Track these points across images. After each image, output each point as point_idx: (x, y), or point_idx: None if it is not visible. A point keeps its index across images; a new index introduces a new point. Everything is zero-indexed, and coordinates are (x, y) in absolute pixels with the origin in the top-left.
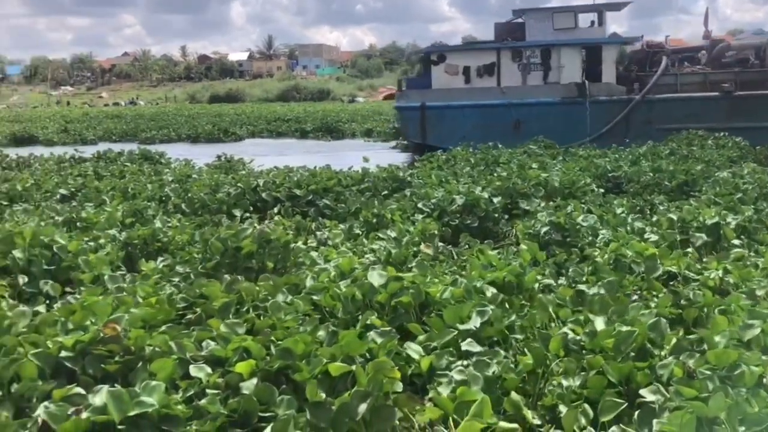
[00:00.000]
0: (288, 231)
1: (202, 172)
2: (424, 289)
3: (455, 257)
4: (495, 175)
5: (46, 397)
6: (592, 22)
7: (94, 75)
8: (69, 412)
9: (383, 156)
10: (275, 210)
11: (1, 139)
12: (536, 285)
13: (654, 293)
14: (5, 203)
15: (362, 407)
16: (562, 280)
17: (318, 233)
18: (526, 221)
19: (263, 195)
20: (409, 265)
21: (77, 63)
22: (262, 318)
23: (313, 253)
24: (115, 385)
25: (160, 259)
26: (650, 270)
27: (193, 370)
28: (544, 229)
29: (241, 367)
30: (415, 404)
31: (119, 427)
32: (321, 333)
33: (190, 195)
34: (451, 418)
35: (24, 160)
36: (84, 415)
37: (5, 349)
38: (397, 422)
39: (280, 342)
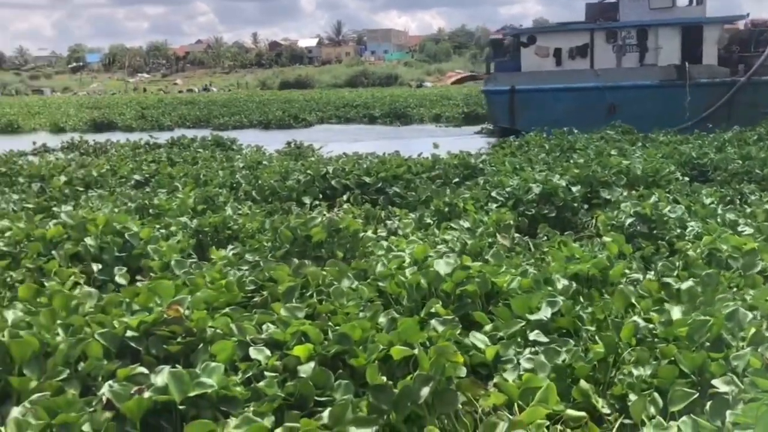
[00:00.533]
0: (357, 219)
1: (273, 158)
2: (490, 279)
3: (532, 249)
4: (571, 162)
5: (111, 376)
6: (691, 1)
7: (168, 62)
8: (132, 392)
9: (454, 142)
10: (344, 198)
11: (83, 125)
12: (623, 279)
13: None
14: (81, 189)
15: (424, 391)
16: (650, 275)
17: (388, 222)
18: (607, 211)
19: (332, 182)
20: (486, 257)
21: (153, 51)
22: (324, 303)
23: (383, 243)
24: (176, 365)
25: (230, 247)
26: (749, 266)
27: (252, 353)
28: (629, 221)
29: (299, 351)
30: (479, 389)
31: (180, 407)
32: (382, 320)
33: (260, 182)
34: (516, 404)
35: (101, 146)
36: (146, 394)
37: (73, 328)
38: (460, 407)
39: (337, 327)
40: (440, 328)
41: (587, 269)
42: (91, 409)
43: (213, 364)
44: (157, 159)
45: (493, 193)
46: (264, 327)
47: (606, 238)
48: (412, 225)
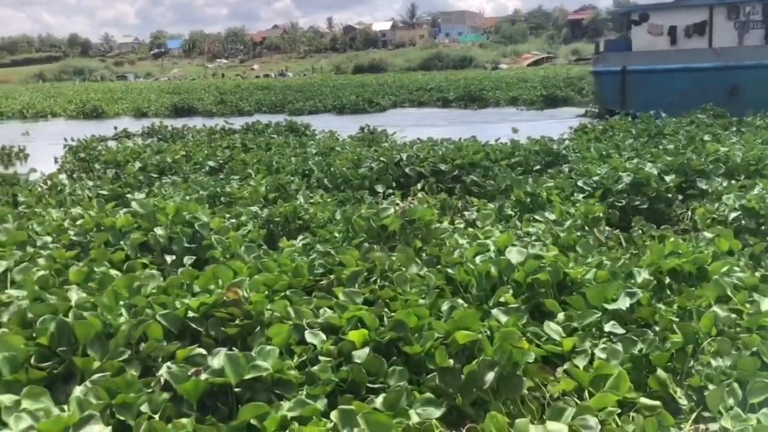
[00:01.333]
0: (433, 209)
1: (346, 144)
2: (562, 269)
3: (623, 243)
4: (661, 148)
5: (171, 357)
6: None
7: (246, 48)
8: (189, 373)
9: (534, 127)
10: (419, 186)
11: (164, 111)
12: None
13: None
14: (155, 176)
15: (489, 376)
16: (757, 275)
17: (465, 213)
18: (705, 203)
19: (406, 170)
20: (578, 251)
21: (231, 36)
22: (385, 289)
23: (456, 234)
24: (233, 348)
25: (300, 237)
26: None
27: (308, 337)
28: (733, 215)
29: (354, 336)
30: (548, 375)
31: (235, 389)
32: (444, 308)
33: (332, 169)
34: (587, 391)
35: (178, 132)
36: (203, 376)
37: (135, 309)
38: (527, 391)
39: (393, 314)
40: (503, 318)
41: (683, 264)
42: (150, 390)
43: (268, 347)
44: (231, 145)
45: (579, 183)
46: (321, 311)
47: (707, 234)
48: (493, 217)
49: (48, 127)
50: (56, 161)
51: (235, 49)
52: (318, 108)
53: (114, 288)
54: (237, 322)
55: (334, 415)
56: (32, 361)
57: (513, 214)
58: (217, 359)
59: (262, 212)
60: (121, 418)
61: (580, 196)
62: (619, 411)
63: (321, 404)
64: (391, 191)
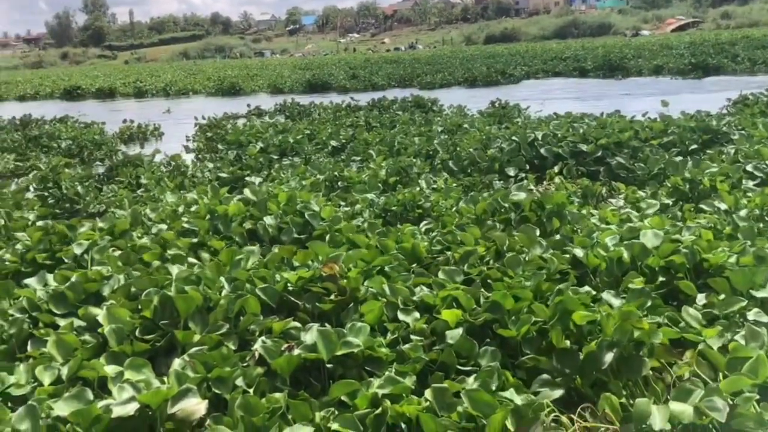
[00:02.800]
0: (572, 197)
1: (474, 121)
2: (700, 253)
3: None
4: None
5: (268, 332)
6: None
7: (377, 22)
8: (282, 349)
9: (682, 99)
10: (556, 169)
11: (299, 87)
12: None
13: None
14: (276, 157)
15: (608, 356)
16: None
17: (612, 201)
18: None
19: (542, 151)
20: None
21: (363, 11)
22: (492, 269)
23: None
24: (326, 324)
25: (423, 222)
26: None
27: (400, 315)
28: None
29: (447, 315)
30: (675, 358)
31: (327, 365)
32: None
33: (458, 150)
34: (721, 375)
35: (305, 109)
36: (295, 351)
37: (234, 284)
38: (652, 372)
39: (489, 295)
40: (614, 302)
41: None
42: (245, 364)
43: (359, 324)
44: (354, 123)
45: (749, 167)
46: (417, 289)
47: None
48: (657, 206)
49: (188, 104)
50: (187, 140)
51: (366, 23)
52: (448, 81)
53: (217, 262)
54: (332, 297)
55: (428, 393)
56: (137, 333)
57: (670, 203)
58: (310, 335)
59: (379, 200)
60: (217, 391)
61: (751, 183)
62: (758, 397)
63: (410, 381)
64: (523, 175)
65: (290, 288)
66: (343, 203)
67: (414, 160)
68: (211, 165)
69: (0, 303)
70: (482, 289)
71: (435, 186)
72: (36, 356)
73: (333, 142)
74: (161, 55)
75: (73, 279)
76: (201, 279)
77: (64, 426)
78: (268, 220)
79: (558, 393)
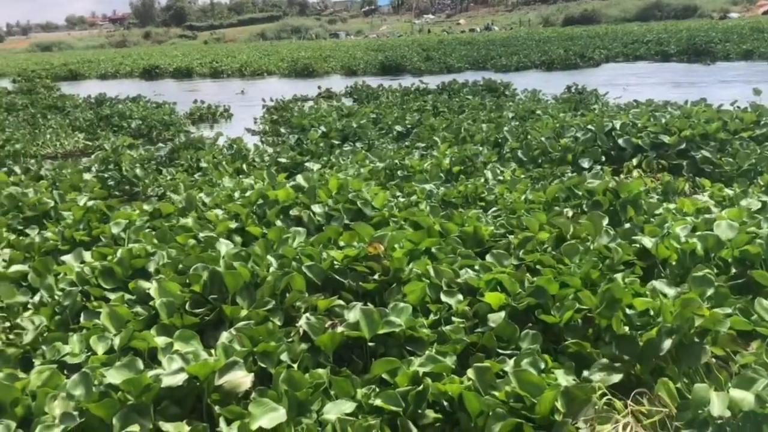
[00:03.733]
0: (651, 193)
1: (548, 107)
2: None
3: None
4: None
5: (314, 309)
6: None
7: (453, 2)
8: (326, 326)
9: None
10: (634, 162)
11: (372, 68)
12: None
13: None
14: (337, 142)
15: (667, 343)
16: None
17: (699, 198)
18: None
19: (620, 141)
20: None
21: None
22: (545, 256)
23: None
24: (368, 303)
25: (492, 209)
26: None
27: (443, 296)
28: None
29: (490, 298)
30: (741, 348)
31: (369, 343)
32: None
33: (529, 138)
34: None
35: (372, 92)
36: (339, 329)
37: (281, 261)
38: (714, 361)
39: (533, 280)
40: (668, 291)
41: None
42: (290, 340)
43: (401, 304)
44: (422, 108)
45: None
46: (462, 272)
47: None
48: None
49: (262, 85)
50: (255, 122)
51: (442, 3)
52: (524, 64)
53: (264, 240)
54: (376, 277)
55: (471, 372)
56: (187, 307)
57: (762, 204)
58: (353, 313)
59: (438, 190)
60: (263, 365)
61: None
62: None
63: (451, 362)
64: (599, 167)
65: (336, 266)
66: (400, 193)
67: (480, 148)
68: (270, 150)
69: (45, 278)
70: (527, 274)
71: (501, 177)
72: (90, 327)
73: (398, 127)
74: (239, 36)
75: (120, 255)
76: (249, 255)
77: (115, 393)
78: (316, 208)
79: (616, 378)
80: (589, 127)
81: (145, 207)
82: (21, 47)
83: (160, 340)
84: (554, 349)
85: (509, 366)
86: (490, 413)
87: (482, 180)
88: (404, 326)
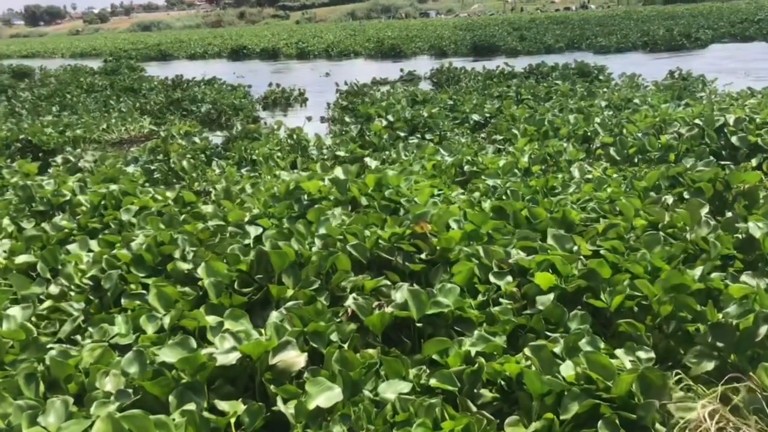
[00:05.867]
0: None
1: (647, 95)
2: None
3: None
4: None
5: (359, 289)
6: None
7: None
8: (374, 306)
9: None
10: (753, 163)
11: (463, 49)
12: None
13: None
14: (403, 134)
15: (763, 329)
16: None
17: None
18: None
19: (733, 139)
20: None
21: None
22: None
23: None
24: (414, 284)
25: None
26: None
27: (492, 277)
28: None
29: (540, 279)
30: None
31: (417, 323)
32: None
33: (624, 134)
34: None
35: (453, 76)
36: (387, 309)
37: (326, 241)
38: None
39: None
40: (760, 283)
41: None
42: (338, 320)
43: (449, 285)
44: (504, 94)
45: None
46: (513, 252)
47: None
48: None
49: (348, 66)
50: (328, 107)
51: None
52: (623, 44)
53: (305, 221)
54: (422, 256)
55: (527, 350)
56: (235, 286)
57: None
58: (400, 293)
59: (505, 185)
60: (314, 345)
61: None
62: None
63: (500, 341)
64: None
65: (381, 245)
66: (462, 190)
67: (565, 144)
68: (329, 141)
69: (65, 267)
70: (582, 257)
71: (590, 176)
72: (135, 308)
73: (475, 116)
74: (330, 15)
75: (148, 242)
76: (292, 234)
77: (169, 372)
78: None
79: (710, 365)
80: (696, 121)
81: (168, 194)
82: (123, 27)
83: (211, 319)
84: (603, 333)
85: (560, 346)
86: (565, 393)
87: (561, 176)
88: (452, 307)
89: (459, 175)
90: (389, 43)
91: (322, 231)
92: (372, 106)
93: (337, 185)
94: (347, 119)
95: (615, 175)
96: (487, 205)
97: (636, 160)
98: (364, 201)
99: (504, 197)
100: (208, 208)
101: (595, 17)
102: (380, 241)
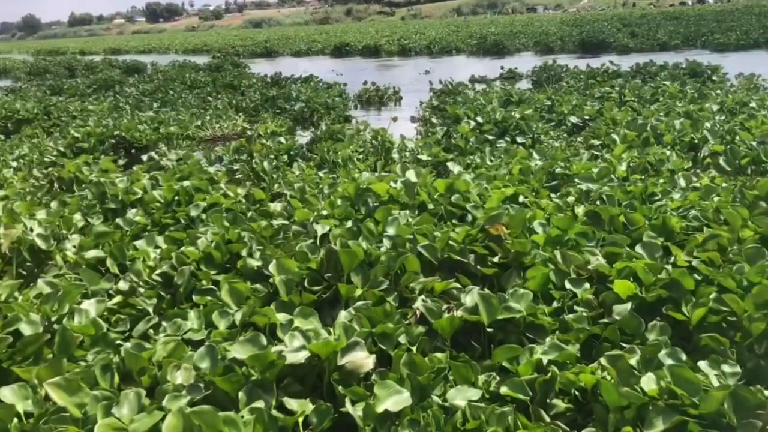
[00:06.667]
0: None
1: (766, 100)
2: None
3: None
4: None
5: (429, 291)
6: None
7: None
8: (443, 309)
9: None
10: None
11: (570, 46)
12: None
13: None
14: (491, 137)
15: None
16: None
17: None
18: None
19: None
20: None
21: None
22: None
23: None
24: (485, 288)
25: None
26: None
27: (568, 283)
28: None
29: (619, 287)
30: None
31: (488, 329)
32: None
33: (735, 141)
34: None
35: (555, 74)
36: (457, 313)
37: (395, 241)
38: None
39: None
40: None
41: None
42: (406, 322)
43: (522, 290)
44: (606, 95)
45: None
46: (593, 259)
47: None
48: None
49: (449, 63)
50: (419, 107)
51: None
52: (744, 42)
53: (372, 219)
54: (495, 260)
55: (603, 360)
56: (305, 284)
57: None
58: (470, 297)
59: (600, 190)
60: (382, 347)
61: None
62: None
63: (574, 349)
64: None
65: (453, 246)
66: (553, 195)
67: (668, 152)
68: (411, 144)
69: (135, 263)
70: (668, 267)
71: (697, 186)
72: (207, 303)
73: (573, 118)
74: (435, 12)
75: (216, 239)
76: (360, 233)
77: (239, 368)
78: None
79: None
80: None
81: (239, 190)
82: (235, 24)
83: (281, 317)
84: (683, 347)
85: (636, 357)
86: (650, 407)
87: (662, 182)
88: (524, 312)
89: (549, 180)
90: (492, 39)
91: (390, 231)
92: (461, 106)
93: (406, 188)
94: (434, 120)
95: (724, 184)
96: (580, 210)
97: (749, 172)
98: (431, 206)
99: (598, 202)
100: (276, 207)
101: (712, 12)
102: (452, 242)
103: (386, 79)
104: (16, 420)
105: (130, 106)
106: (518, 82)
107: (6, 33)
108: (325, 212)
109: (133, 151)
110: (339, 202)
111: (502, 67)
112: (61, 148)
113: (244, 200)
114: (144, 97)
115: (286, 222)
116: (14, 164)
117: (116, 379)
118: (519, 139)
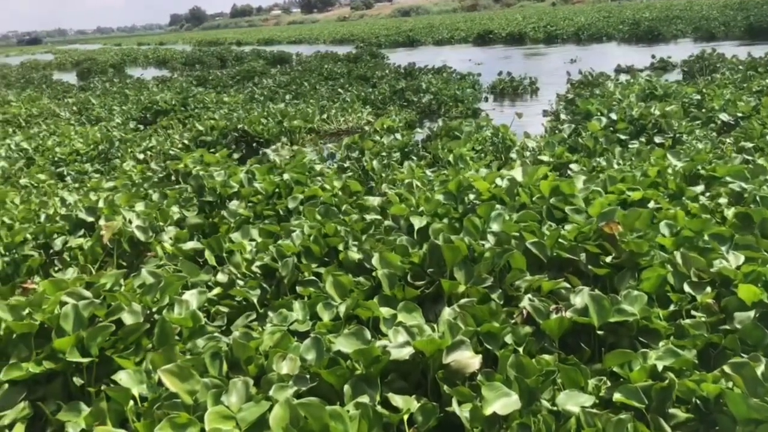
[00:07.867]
0: None
1: None
2: None
3: None
4: None
5: (535, 290)
6: None
7: None
8: (551, 309)
9: None
10: None
11: (735, 32)
12: None
13: None
14: (624, 137)
15: None
16: None
17: None
18: None
19: None
20: None
21: None
22: None
23: None
24: (595, 289)
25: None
26: None
27: (686, 286)
28: None
29: (744, 292)
30: None
31: (598, 331)
32: None
33: None
34: None
35: (709, 64)
36: (567, 314)
37: (499, 237)
38: None
39: None
40: None
41: None
42: (512, 322)
43: (635, 292)
44: (766, 88)
45: None
46: (717, 262)
47: None
48: None
49: (598, 51)
50: (554, 100)
51: None
52: None
53: (471, 215)
54: (608, 260)
55: (726, 368)
56: (408, 278)
57: None
58: (580, 298)
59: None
60: (488, 346)
61: None
62: None
63: (690, 355)
64: None
65: (562, 243)
66: (689, 201)
67: None
68: (533, 144)
69: (234, 256)
70: None
71: None
72: (311, 294)
73: (723, 116)
74: None
75: (314, 233)
76: (462, 229)
77: (344, 361)
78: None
79: None
80: None
81: (335, 183)
82: (384, 13)
83: (384, 311)
84: None
85: (762, 367)
86: None
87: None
88: (638, 315)
89: (692, 183)
90: (646, 25)
91: (495, 227)
92: (594, 100)
93: (508, 187)
94: (563, 116)
95: None
96: (730, 212)
97: None
98: (532, 207)
99: (752, 205)
100: (374, 201)
101: None
102: (561, 240)
103: (528, 68)
104: (132, 403)
105: (264, 98)
106: (669, 74)
107: (175, 24)
108: (421, 208)
109: (254, 144)
110: (440, 198)
111: (653, 56)
112: (186, 141)
113: (340, 192)
114: (279, 89)
115: (379, 217)
116: (141, 156)
117: (225, 367)
118: (657, 139)
